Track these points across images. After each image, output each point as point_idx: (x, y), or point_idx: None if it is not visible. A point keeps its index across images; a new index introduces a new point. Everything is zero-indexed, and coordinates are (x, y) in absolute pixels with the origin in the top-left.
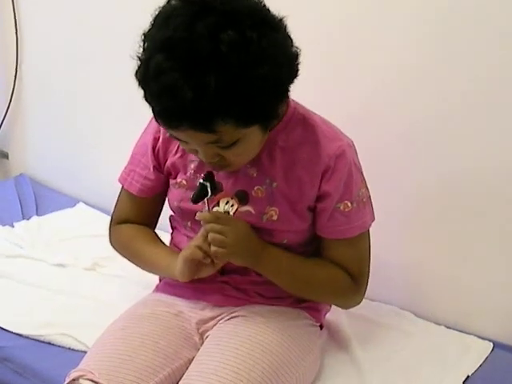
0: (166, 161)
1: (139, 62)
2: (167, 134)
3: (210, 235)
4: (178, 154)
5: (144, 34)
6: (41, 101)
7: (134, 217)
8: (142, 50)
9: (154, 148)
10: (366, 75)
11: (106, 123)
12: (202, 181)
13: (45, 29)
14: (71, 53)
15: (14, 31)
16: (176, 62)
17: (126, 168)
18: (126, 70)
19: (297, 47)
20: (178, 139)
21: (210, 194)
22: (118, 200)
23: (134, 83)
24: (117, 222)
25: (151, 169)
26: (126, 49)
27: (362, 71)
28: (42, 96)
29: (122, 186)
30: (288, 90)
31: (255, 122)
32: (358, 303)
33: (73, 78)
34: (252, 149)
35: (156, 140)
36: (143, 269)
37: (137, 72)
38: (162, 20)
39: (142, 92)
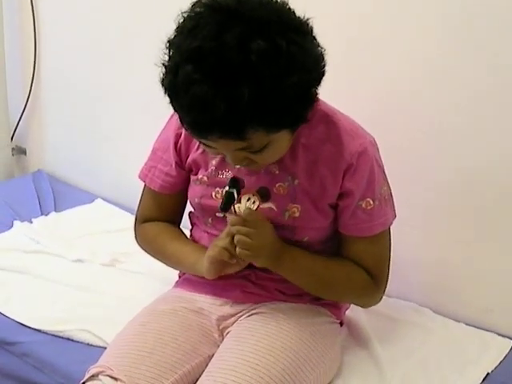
0: (188, 157)
1: (164, 70)
2: None
3: (236, 237)
4: (200, 151)
5: (169, 41)
6: (58, 97)
7: (158, 214)
8: (167, 57)
9: (176, 144)
10: (387, 71)
11: (124, 119)
12: (228, 189)
13: (63, 25)
14: (89, 48)
15: (33, 28)
16: (206, 73)
17: (146, 164)
18: (144, 66)
19: (321, 47)
20: (206, 145)
21: (236, 199)
22: (141, 198)
23: (153, 79)
24: (141, 220)
25: (173, 165)
26: (145, 44)
27: (384, 68)
28: (60, 92)
29: (144, 184)
30: (317, 93)
31: (286, 127)
32: (378, 302)
33: (91, 73)
34: (280, 151)
35: (178, 136)
36: (169, 266)
37: (163, 79)
38: (188, 28)
39: (160, 88)
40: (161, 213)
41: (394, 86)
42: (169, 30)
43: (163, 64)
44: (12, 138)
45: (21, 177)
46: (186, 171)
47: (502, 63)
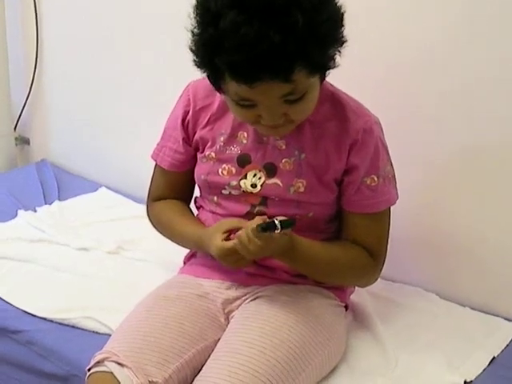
0: (195, 134)
1: (197, 30)
2: (198, 107)
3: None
4: (208, 127)
5: (196, 4)
6: (62, 86)
7: (168, 192)
8: (198, 16)
9: (183, 120)
10: (391, 52)
11: (128, 108)
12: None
13: (65, 14)
14: (92, 38)
15: (34, 16)
16: (253, 13)
17: (158, 144)
18: (147, 54)
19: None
20: (242, 105)
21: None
22: (152, 177)
23: (156, 67)
24: (152, 198)
25: (181, 142)
26: (148, 32)
27: (387, 48)
28: (63, 81)
29: (155, 163)
30: (343, 40)
31: (322, 69)
32: (375, 281)
33: (94, 62)
34: (312, 104)
35: (186, 113)
36: (177, 243)
37: (199, 38)
38: None
39: (163, 75)
40: (171, 191)
41: (399, 65)
42: (171, 18)
43: (196, 23)
44: (15, 128)
45: (24, 166)
46: (192, 148)
47: (504, 49)
